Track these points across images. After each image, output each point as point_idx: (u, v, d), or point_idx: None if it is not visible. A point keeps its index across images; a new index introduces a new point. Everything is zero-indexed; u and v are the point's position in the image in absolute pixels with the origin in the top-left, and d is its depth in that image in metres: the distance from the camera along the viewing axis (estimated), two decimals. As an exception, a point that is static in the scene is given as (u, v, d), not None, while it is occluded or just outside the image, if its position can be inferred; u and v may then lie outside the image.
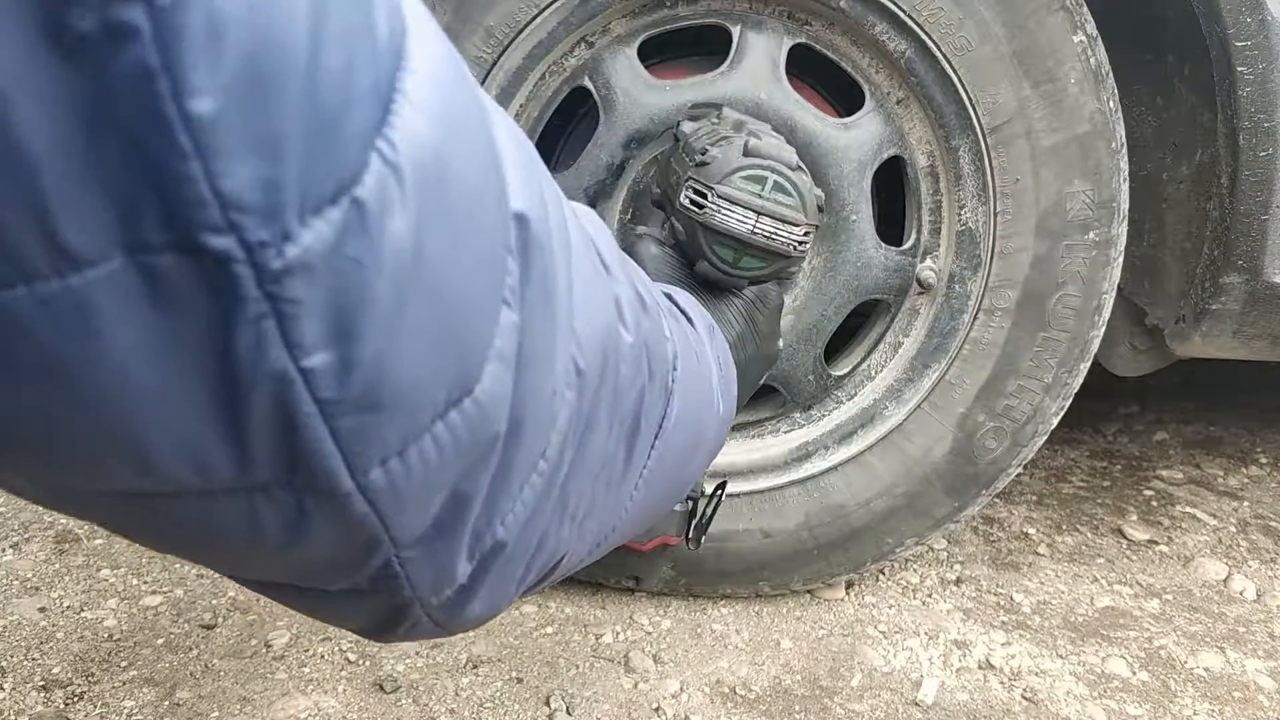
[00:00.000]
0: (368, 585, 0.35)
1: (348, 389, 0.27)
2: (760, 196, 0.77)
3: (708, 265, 0.80)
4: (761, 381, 0.98)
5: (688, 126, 0.92)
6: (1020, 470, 1.13)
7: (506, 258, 0.33)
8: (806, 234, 0.79)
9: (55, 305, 0.23)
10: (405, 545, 0.34)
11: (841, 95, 1.09)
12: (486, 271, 0.32)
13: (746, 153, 0.78)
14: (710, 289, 0.83)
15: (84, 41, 0.21)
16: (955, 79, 0.99)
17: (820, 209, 0.82)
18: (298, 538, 0.31)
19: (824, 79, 1.09)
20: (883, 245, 1.07)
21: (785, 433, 1.15)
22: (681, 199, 0.79)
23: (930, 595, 1.24)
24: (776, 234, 0.77)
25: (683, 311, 0.61)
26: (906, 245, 1.10)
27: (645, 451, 0.49)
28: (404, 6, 0.29)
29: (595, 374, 0.41)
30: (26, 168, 0.21)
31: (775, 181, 0.78)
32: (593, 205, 1.04)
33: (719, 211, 0.77)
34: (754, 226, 0.77)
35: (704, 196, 0.77)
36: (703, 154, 0.79)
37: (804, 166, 0.82)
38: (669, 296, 0.61)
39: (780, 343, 0.90)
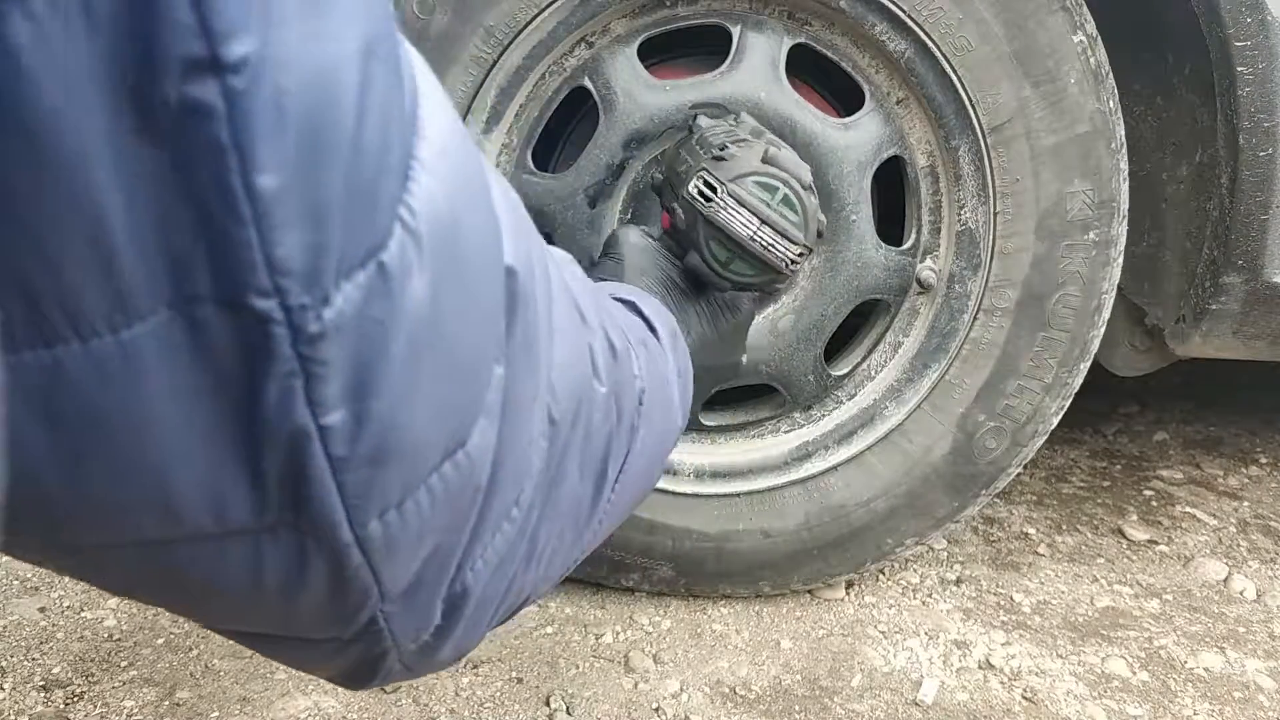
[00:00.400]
0: (352, 636, 0.36)
1: (359, 444, 0.28)
2: (768, 205, 0.77)
3: (699, 259, 0.79)
4: (715, 389, 0.98)
5: (704, 121, 0.92)
6: (1020, 470, 1.13)
7: (499, 312, 0.34)
8: (801, 254, 0.79)
9: (104, 358, 0.24)
10: (390, 599, 0.34)
11: (841, 95, 1.09)
12: (486, 326, 0.33)
13: (765, 160, 0.78)
14: (688, 287, 0.82)
15: (162, 114, 0.22)
16: (955, 79, 0.99)
17: (820, 234, 0.82)
18: (297, 582, 0.31)
19: (824, 79, 1.09)
20: (882, 245, 1.07)
21: (785, 433, 1.15)
22: (690, 188, 0.78)
23: (930, 595, 1.24)
24: (774, 246, 0.77)
25: (646, 320, 0.61)
26: (906, 245, 1.10)
27: (610, 486, 0.50)
28: (415, 71, 0.30)
29: (568, 423, 0.42)
30: (102, 227, 0.22)
31: (786, 195, 0.77)
32: (592, 205, 1.04)
33: (724, 209, 0.77)
34: (755, 233, 0.77)
35: (713, 190, 0.77)
36: (721, 149, 0.79)
37: (815, 189, 0.82)
38: (634, 304, 0.62)
39: (744, 357, 0.90)
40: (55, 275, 0.22)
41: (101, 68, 0.21)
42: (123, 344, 0.24)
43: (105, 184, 0.22)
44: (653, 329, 0.61)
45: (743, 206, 0.77)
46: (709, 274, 0.80)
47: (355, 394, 0.27)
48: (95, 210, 0.22)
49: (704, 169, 0.78)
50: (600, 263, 0.82)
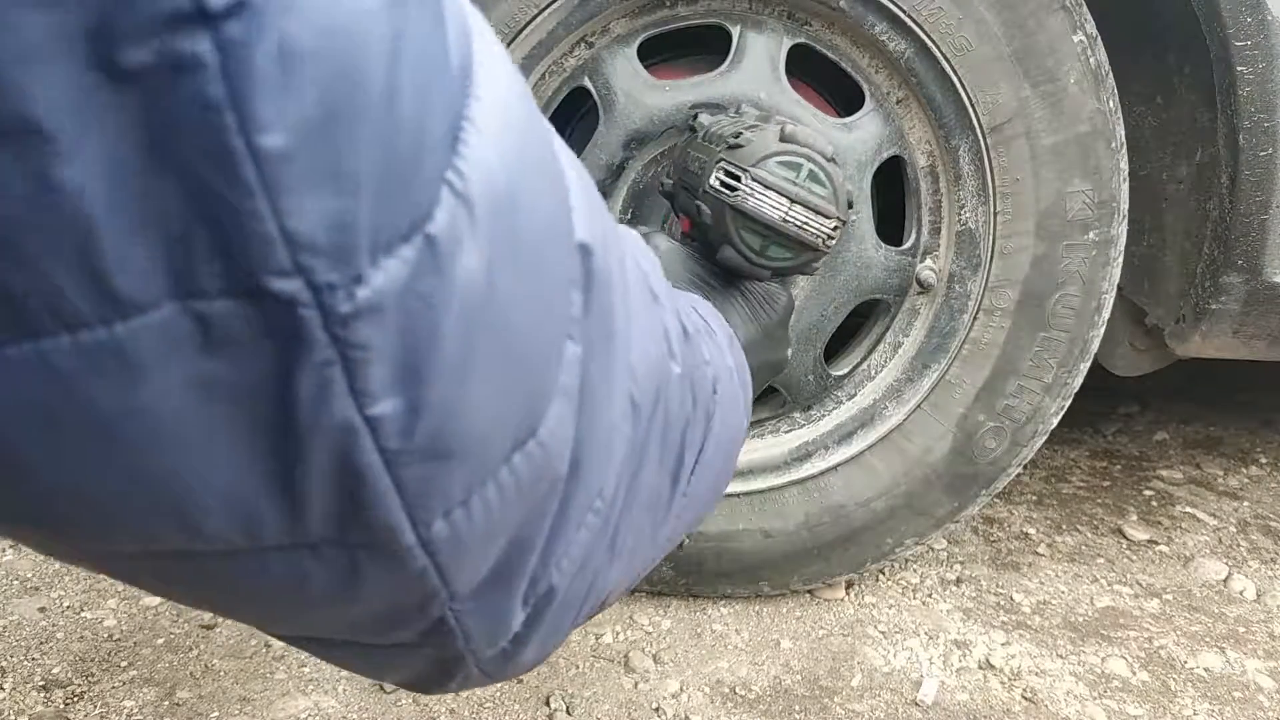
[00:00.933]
0: (418, 639, 0.33)
1: (415, 436, 0.25)
2: (795, 184, 0.75)
3: (733, 251, 0.77)
4: (764, 387, 0.96)
5: (706, 119, 0.90)
6: (1020, 470, 1.13)
7: (571, 290, 0.31)
8: (836, 228, 0.76)
9: (99, 355, 0.21)
10: (461, 598, 0.32)
11: (841, 95, 1.09)
12: (553, 305, 0.30)
13: (783, 138, 0.76)
14: (721, 285, 0.81)
15: (139, 74, 0.20)
16: (955, 79, 0.99)
17: (850, 204, 0.79)
18: (348, 594, 0.29)
19: (824, 79, 1.09)
20: (882, 245, 1.07)
21: (785, 433, 1.15)
22: (711, 181, 0.76)
23: (930, 595, 1.24)
24: (809, 224, 0.75)
25: (705, 322, 0.59)
26: (906, 245, 1.10)
27: (686, 478, 0.48)
28: (470, 27, 0.27)
29: (648, 407, 0.39)
30: (76, 205, 0.20)
31: (810, 170, 0.75)
32: (593, 205, 1.04)
33: (752, 195, 0.74)
34: (786, 214, 0.74)
35: (737, 179, 0.75)
36: (736, 137, 0.77)
37: (837, 159, 0.79)
38: (692, 308, 0.60)
39: (790, 351, 0.87)
40: (27, 267, 0.20)
41: (65, 37, 0.19)
42: (118, 337, 0.21)
43: (78, 160, 0.20)
44: (710, 330, 0.59)
45: (769, 189, 0.74)
46: (745, 265, 0.77)
47: (406, 380, 0.24)
48: (66, 189, 0.20)
49: (722, 159, 0.76)
50: None
